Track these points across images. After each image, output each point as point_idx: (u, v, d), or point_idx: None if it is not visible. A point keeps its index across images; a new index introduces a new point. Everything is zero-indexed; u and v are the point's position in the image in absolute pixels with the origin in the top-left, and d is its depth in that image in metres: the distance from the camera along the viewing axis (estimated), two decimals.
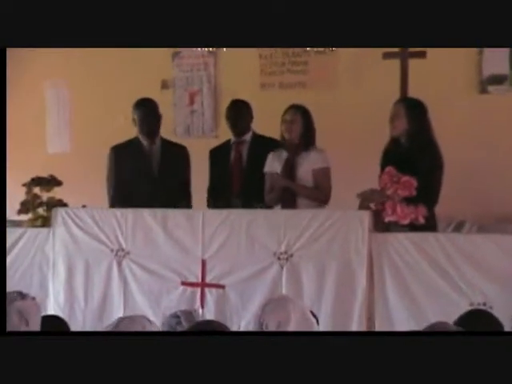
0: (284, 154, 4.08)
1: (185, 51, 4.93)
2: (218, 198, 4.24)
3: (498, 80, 4.73)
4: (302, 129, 4.04)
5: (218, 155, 4.45)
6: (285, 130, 4.06)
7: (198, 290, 3.64)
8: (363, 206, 3.63)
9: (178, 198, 4.16)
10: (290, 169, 4.05)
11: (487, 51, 4.60)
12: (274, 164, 4.09)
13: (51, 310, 3.73)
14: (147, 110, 4.32)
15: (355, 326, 3.35)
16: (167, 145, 4.37)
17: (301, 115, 4.07)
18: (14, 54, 4.92)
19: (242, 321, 3.49)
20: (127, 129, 4.47)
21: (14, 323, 2.45)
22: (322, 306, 3.38)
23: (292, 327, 2.15)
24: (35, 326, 2.45)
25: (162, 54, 5.01)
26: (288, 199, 4.05)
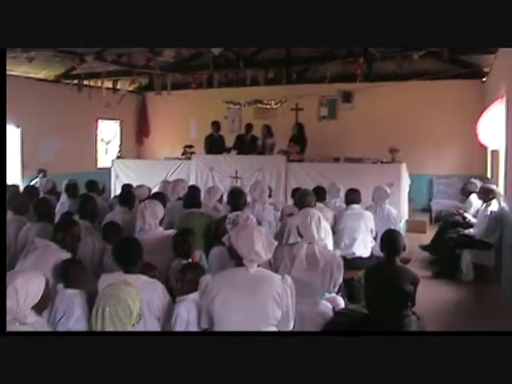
0: (261, 139, 11.26)
1: (232, 107, 12.29)
2: (239, 151, 11.19)
3: (324, 117, 12.30)
4: (268, 131, 11.20)
5: (241, 137, 11.46)
6: (262, 132, 11.25)
7: (235, 179, 10.19)
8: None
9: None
10: (264, 144, 11.15)
11: (321, 109, 11.87)
12: (259, 141, 11.20)
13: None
14: (217, 125, 11.39)
15: (282, 193, 10.35)
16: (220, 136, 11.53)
17: (267, 128, 11.24)
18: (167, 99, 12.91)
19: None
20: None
21: (182, 189, 8.69)
22: (272, 185, 9.84)
23: (257, 189, 6.79)
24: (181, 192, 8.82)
25: (225, 107, 12.53)
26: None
